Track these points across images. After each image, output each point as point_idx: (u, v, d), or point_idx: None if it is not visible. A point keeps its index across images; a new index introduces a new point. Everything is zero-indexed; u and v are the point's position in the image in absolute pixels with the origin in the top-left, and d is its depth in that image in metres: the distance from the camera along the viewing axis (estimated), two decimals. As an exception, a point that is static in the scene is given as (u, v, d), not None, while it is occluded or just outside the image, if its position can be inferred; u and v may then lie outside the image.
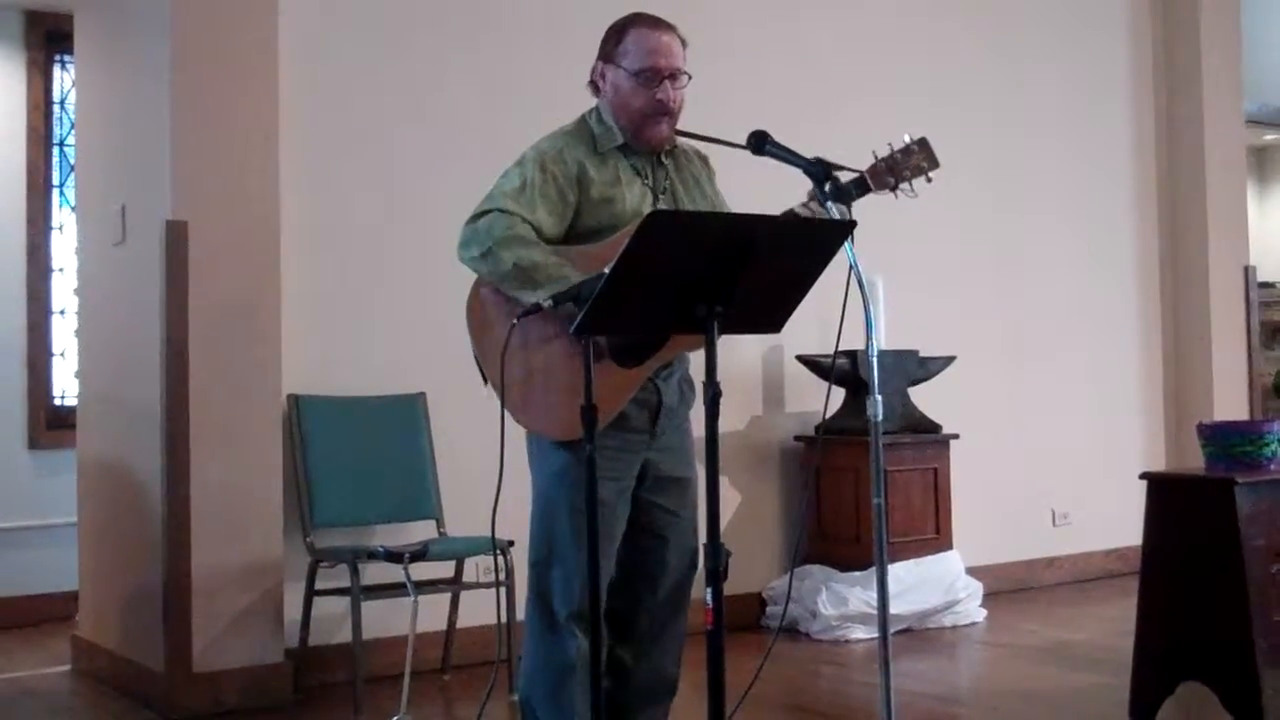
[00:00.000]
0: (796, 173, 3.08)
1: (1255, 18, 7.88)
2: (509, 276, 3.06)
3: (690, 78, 3.24)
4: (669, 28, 3.25)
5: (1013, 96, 6.86)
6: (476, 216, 3.14)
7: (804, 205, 3.15)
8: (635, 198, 3.23)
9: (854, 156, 3.25)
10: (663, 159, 3.31)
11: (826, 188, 3.02)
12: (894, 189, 3.25)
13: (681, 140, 3.34)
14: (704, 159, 3.43)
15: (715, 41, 5.83)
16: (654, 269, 2.56)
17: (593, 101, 3.30)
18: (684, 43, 3.26)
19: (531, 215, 3.12)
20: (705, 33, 5.81)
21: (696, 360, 3.42)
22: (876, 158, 3.24)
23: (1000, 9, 6.86)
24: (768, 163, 3.11)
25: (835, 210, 3.00)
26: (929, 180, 3.28)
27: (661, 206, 3.24)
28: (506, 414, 3.09)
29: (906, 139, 3.28)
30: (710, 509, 2.61)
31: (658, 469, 3.29)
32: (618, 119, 3.24)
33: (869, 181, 3.22)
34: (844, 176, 3.07)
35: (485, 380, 3.16)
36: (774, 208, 3.10)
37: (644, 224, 2.53)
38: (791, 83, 6.01)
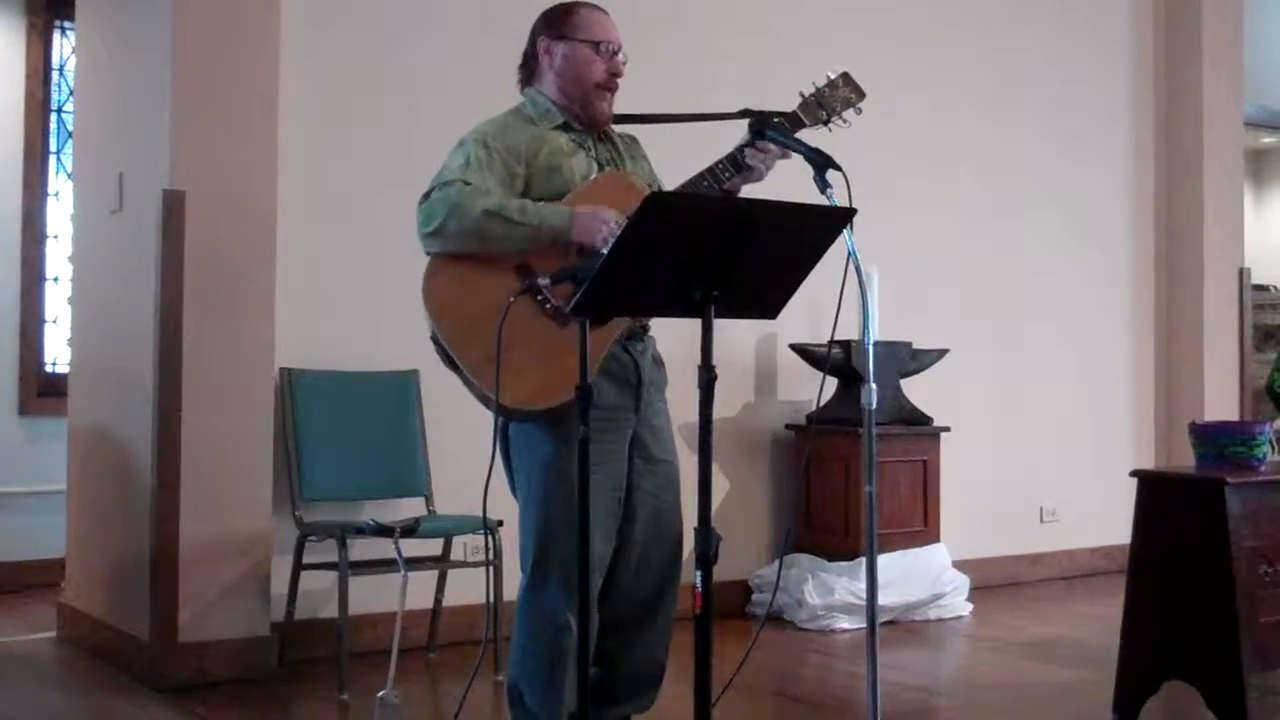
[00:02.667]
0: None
1: (1255, 20, 7.86)
2: (480, 227, 3.06)
3: (626, 59, 3.33)
4: (608, 14, 3.37)
5: (1011, 95, 6.85)
6: (428, 194, 3.16)
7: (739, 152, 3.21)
8: (582, 166, 3.27)
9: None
10: (600, 137, 3.36)
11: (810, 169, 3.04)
12: (826, 123, 3.34)
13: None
14: (635, 140, 3.49)
15: (715, 42, 5.85)
16: (652, 250, 2.56)
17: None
18: None
19: (484, 186, 3.12)
20: (705, 32, 5.89)
21: (671, 340, 3.46)
22: (804, 96, 3.32)
23: (999, 9, 6.85)
24: (696, 140, 3.28)
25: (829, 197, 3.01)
26: (858, 111, 3.37)
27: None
28: (478, 399, 3.10)
29: (829, 74, 3.37)
30: (702, 494, 2.61)
31: (645, 449, 3.29)
32: (565, 93, 3.29)
33: (802, 118, 3.29)
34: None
35: (450, 363, 3.11)
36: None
37: (644, 205, 2.52)
38: (790, 82, 5.97)
